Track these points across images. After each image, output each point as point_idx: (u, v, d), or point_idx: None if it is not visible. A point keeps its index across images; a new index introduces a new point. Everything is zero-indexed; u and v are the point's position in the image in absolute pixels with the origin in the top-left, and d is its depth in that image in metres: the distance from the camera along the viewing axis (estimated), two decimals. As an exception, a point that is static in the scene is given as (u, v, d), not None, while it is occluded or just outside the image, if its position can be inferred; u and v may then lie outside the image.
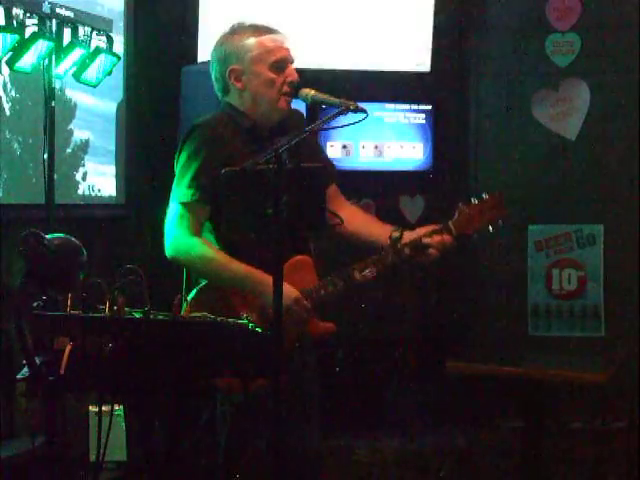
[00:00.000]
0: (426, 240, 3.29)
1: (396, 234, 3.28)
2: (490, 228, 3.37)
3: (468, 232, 3.34)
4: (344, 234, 3.37)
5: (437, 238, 3.29)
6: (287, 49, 3.24)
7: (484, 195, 3.39)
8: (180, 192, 3.22)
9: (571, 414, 5.07)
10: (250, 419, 3.11)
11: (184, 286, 3.25)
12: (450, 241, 3.31)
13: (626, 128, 5.24)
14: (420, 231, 3.33)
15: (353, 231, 3.38)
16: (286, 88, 3.21)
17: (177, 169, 3.28)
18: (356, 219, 3.43)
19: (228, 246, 3.20)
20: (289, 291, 3.05)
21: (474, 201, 3.37)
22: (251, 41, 3.21)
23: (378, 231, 3.35)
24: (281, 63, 3.21)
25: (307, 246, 3.29)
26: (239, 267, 3.14)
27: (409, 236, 3.30)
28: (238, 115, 3.27)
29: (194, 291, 3.21)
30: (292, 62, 3.24)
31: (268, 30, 3.25)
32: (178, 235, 3.19)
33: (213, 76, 3.32)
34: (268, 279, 3.01)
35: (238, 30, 3.26)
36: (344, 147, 5.25)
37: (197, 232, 3.20)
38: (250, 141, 3.22)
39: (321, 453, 3.41)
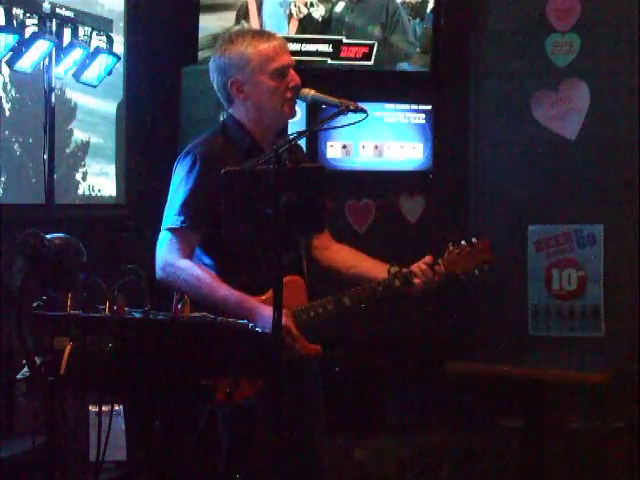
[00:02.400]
0: (414, 270, 3.31)
1: (395, 268, 3.34)
2: (476, 271, 3.41)
3: (456, 272, 3.37)
4: (340, 272, 3.39)
5: (425, 270, 3.32)
6: (287, 54, 3.21)
7: (473, 239, 3.42)
8: (169, 219, 3.18)
9: (571, 414, 5.07)
10: (251, 421, 3.11)
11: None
12: (436, 277, 3.33)
13: (626, 128, 5.24)
14: (413, 265, 3.36)
15: (350, 268, 3.40)
16: (289, 94, 3.18)
17: (169, 194, 3.24)
18: (350, 256, 3.44)
19: (226, 262, 3.17)
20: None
21: (463, 243, 3.40)
22: (250, 50, 3.16)
23: (374, 266, 3.38)
24: (282, 70, 3.17)
25: (301, 265, 3.27)
26: (230, 293, 3.08)
27: (405, 270, 3.34)
28: (239, 132, 3.22)
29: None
30: (293, 66, 3.21)
31: (266, 36, 3.21)
32: (167, 258, 3.14)
33: (215, 86, 3.27)
34: (258, 306, 3.05)
35: (236, 39, 3.20)
36: (344, 147, 5.25)
37: (187, 255, 3.15)
38: (247, 160, 3.19)
39: (322, 456, 3.40)
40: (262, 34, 3.24)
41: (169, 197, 3.24)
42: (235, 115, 3.26)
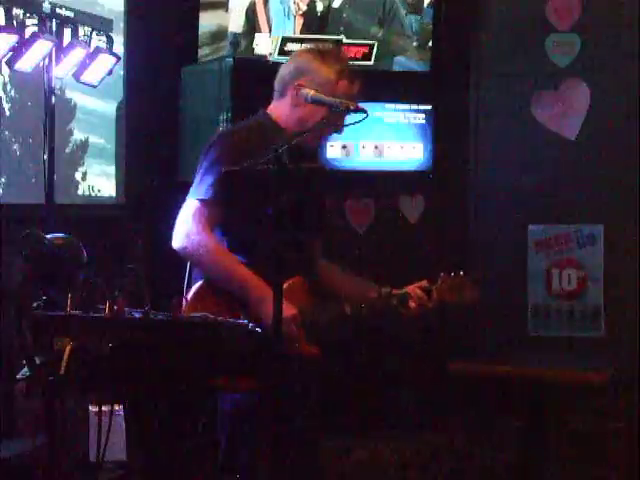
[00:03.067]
0: (411, 292, 3.38)
1: (386, 289, 3.38)
2: (463, 304, 3.50)
3: (447, 301, 3.44)
4: (325, 288, 3.43)
5: (419, 293, 3.38)
6: (355, 99, 3.27)
7: (461, 272, 3.50)
8: (201, 189, 3.21)
9: (571, 414, 5.07)
10: (250, 419, 3.11)
11: (185, 281, 3.24)
12: (429, 303, 3.40)
13: (626, 128, 5.24)
14: (408, 287, 3.41)
15: (335, 285, 3.45)
16: (329, 132, 3.30)
17: (200, 170, 3.25)
18: (337, 275, 3.49)
19: (239, 248, 3.21)
20: (287, 309, 3.06)
21: (453, 275, 3.47)
22: (333, 77, 3.27)
23: (360, 286, 3.43)
24: (343, 110, 3.23)
25: (310, 267, 3.30)
26: (246, 273, 3.13)
27: (396, 291, 3.40)
28: (274, 130, 3.26)
29: (193, 289, 3.20)
30: (349, 112, 3.26)
31: (352, 77, 3.33)
32: (191, 228, 3.16)
33: (279, 75, 3.34)
34: (270, 292, 3.03)
35: (327, 58, 3.31)
36: (344, 147, 5.25)
37: (211, 229, 3.19)
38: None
39: (318, 456, 3.41)
40: (352, 71, 3.36)
41: (201, 173, 3.24)
42: (274, 109, 3.31)
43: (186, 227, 3.17)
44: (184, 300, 3.11)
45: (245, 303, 3.13)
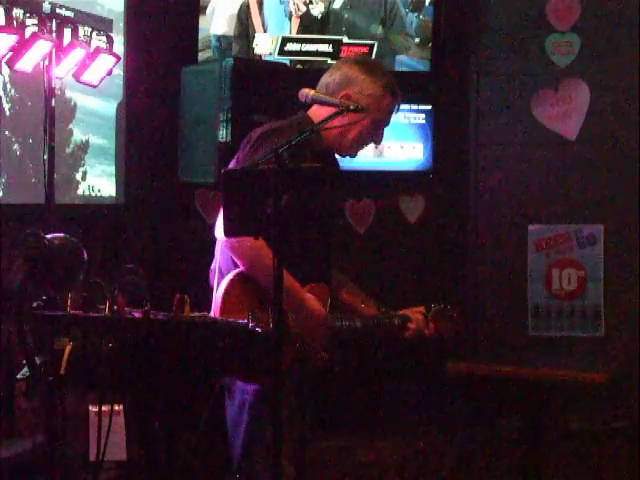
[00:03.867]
0: (411, 316, 3.45)
1: (383, 309, 3.45)
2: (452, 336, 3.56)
3: (439, 332, 3.52)
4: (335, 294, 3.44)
5: (419, 318, 3.46)
6: (392, 115, 3.37)
7: (448, 306, 3.55)
8: None
9: (571, 414, 5.07)
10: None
11: (216, 270, 3.21)
12: (427, 331, 3.47)
13: (626, 128, 5.24)
14: (407, 310, 3.48)
15: (343, 293, 3.48)
16: (365, 145, 3.36)
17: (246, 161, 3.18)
18: (339, 280, 3.49)
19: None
20: (320, 312, 3.17)
21: (442, 307, 3.53)
22: (379, 91, 3.31)
23: (363, 302, 3.46)
24: (382, 125, 3.35)
25: (328, 273, 3.32)
26: (291, 280, 3.08)
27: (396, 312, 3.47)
28: (313, 134, 3.21)
29: (224, 283, 3.15)
30: (387, 126, 3.37)
31: (396, 94, 3.38)
32: (250, 242, 3.07)
33: (321, 83, 3.36)
34: (319, 311, 3.15)
35: (375, 71, 3.36)
36: (344, 147, 5.24)
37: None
38: (313, 161, 3.19)
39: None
40: (395, 90, 3.39)
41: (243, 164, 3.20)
42: (316, 114, 3.31)
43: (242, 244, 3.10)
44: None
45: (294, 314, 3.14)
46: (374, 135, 3.35)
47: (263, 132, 3.23)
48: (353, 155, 3.39)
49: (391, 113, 3.37)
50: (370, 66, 3.41)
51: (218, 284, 3.12)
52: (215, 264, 3.22)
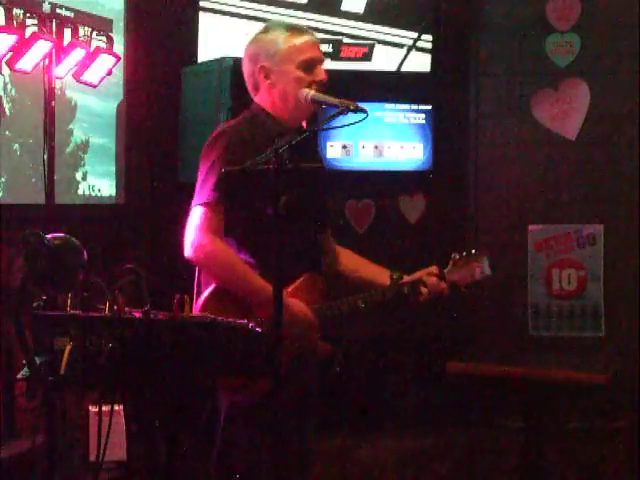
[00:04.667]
0: (423, 279, 3.37)
1: (397, 274, 3.37)
2: (474, 283, 3.47)
3: (459, 284, 3.43)
4: (344, 274, 3.42)
5: (432, 280, 3.38)
6: (317, 48, 3.25)
7: (473, 251, 3.47)
8: (204, 194, 3.17)
9: (571, 414, 5.07)
10: (243, 420, 3.11)
11: (195, 285, 3.23)
12: (445, 289, 3.40)
13: (626, 128, 5.24)
14: (418, 273, 3.40)
15: (353, 270, 3.44)
16: (314, 87, 3.20)
17: (201, 174, 3.22)
18: (354, 260, 3.47)
19: (254, 255, 3.18)
20: (300, 307, 3.10)
21: (465, 255, 3.45)
22: (281, 40, 3.21)
23: (378, 272, 3.41)
24: (310, 62, 3.21)
25: (319, 263, 3.30)
26: (264, 284, 3.07)
27: (407, 278, 3.38)
28: (267, 119, 3.25)
29: (205, 293, 3.18)
30: (322, 62, 3.24)
31: (299, 29, 3.27)
32: (199, 237, 3.13)
33: (245, 74, 3.31)
34: (288, 302, 3.03)
35: (270, 29, 3.27)
36: (344, 147, 5.25)
37: (221, 234, 3.15)
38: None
39: (312, 452, 3.40)
40: (296, 28, 3.28)
41: (203, 174, 3.21)
42: (261, 103, 3.28)
43: (194, 236, 3.14)
44: (195, 304, 3.10)
45: (257, 309, 3.12)
46: (313, 77, 3.19)
47: (219, 132, 3.23)
48: (312, 109, 3.25)
49: (312, 47, 3.22)
50: (263, 31, 3.29)
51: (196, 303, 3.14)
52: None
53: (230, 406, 3.13)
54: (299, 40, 3.22)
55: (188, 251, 3.14)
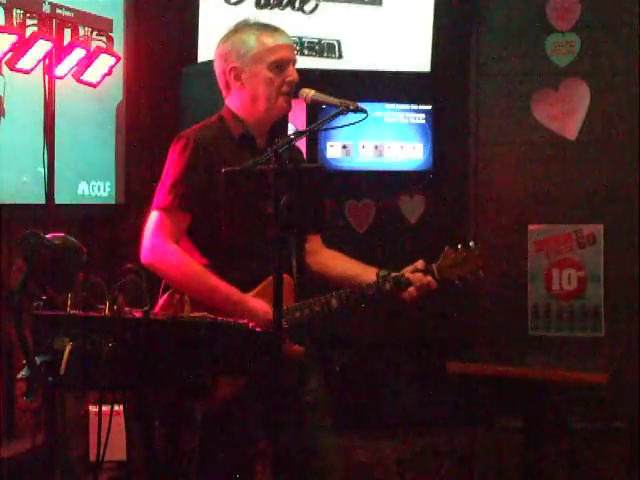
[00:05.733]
0: (408, 276, 3.27)
1: (384, 272, 3.29)
2: (471, 277, 3.35)
3: (450, 278, 3.32)
4: (330, 276, 3.36)
5: (418, 276, 3.27)
6: (288, 49, 3.22)
7: (471, 243, 3.37)
8: (160, 198, 3.17)
9: (571, 414, 5.07)
10: (222, 421, 3.11)
11: (161, 291, 3.21)
12: (431, 283, 3.28)
13: (626, 128, 5.24)
14: (405, 269, 3.31)
15: (340, 272, 3.36)
16: (285, 88, 3.18)
17: (162, 175, 3.24)
18: (340, 260, 3.41)
19: (217, 258, 3.15)
20: (264, 308, 3.06)
21: (459, 247, 3.35)
22: (252, 39, 3.19)
23: (364, 271, 3.33)
24: (280, 62, 3.18)
25: (289, 264, 3.25)
26: (219, 284, 3.08)
27: (393, 274, 3.29)
28: (233, 120, 3.24)
29: (161, 301, 3.17)
30: (293, 62, 3.21)
31: (270, 29, 3.23)
32: (156, 241, 3.12)
33: (217, 73, 3.29)
34: (245, 299, 3.06)
35: (241, 28, 3.24)
36: (344, 147, 5.25)
37: (176, 239, 3.14)
38: (239, 149, 3.18)
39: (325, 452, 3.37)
40: (267, 27, 3.25)
41: (161, 178, 3.23)
42: (231, 104, 3.27)
43: (150, 241, 3.13)
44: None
45: (216, 310, 3.09)
46: (283, 77, 3.17)
47: (178, 136, 3.24)
48: (284, 110, 3.22)
49: (283, 47, 3.19)
50: (230, 32, 3.26)
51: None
52: None
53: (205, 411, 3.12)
54: (270, 40, 3.19)
55: (145, 256, 3.13)
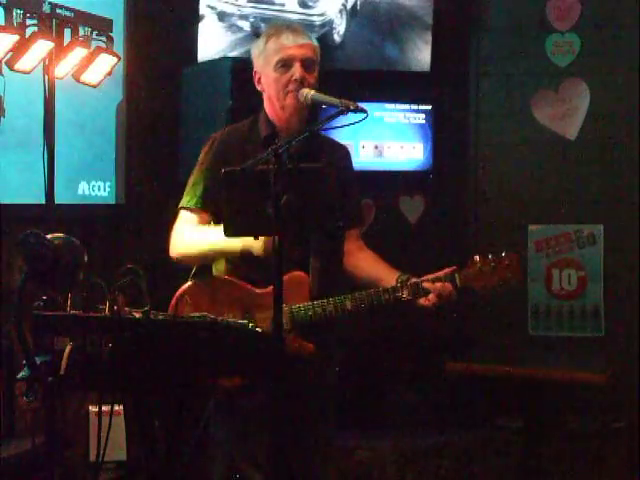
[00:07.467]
0: (426, 285, 3.20)
1: (403, 277, 3.22)
2: (499, 288, 3.28)
3: (475, 286, 3.23)
4: (358, 278, 3.36)
5: (438, 285, 3.19)
6: (295, 48, 3.22)
7: (503, 253, 3.28)
8: (183, 198, 3.31)
9: (571, 414, 5.07)
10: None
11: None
12: (450, 291, 3.19)
13: (626, 128, 5.24)
14: (427, 276, 3.23)
15: (365, 275, 3.35)
16: (290, 86, 3.20)
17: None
18: (368, 262, 3.39)
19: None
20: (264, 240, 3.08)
21: (490, 257, 3.25)
22: (262, 42, 3.26)
23: (386, 275, 3.28)
24: (284, 62, 3.21)
25: (307, 262, 3.27)
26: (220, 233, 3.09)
27: (413, 280, 3.22)
28: (264, 121, 3.29)
29: (181, 290, 3.22)
30: (302, 60, 3.21)
31: (280, 30, 3.26)
32: (179, 237, 3.28)
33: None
34: (246, 240, 3.09)
35: (264, 32, 3.34)
36: (344, 147, 5.24)
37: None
38: (264, 150, 3.20)
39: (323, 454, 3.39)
40: (278, 28, 3.29)
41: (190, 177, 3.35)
42: (264, 105, 3.33)
43: (173, 238, 3.29)
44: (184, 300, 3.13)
45: (232, 297, 3.16)
46: (289, 76, 3.19)
47: (211, 137, 3.32)
48: (292, 106, 3.22)
49: (289, 46, 3.20)
50: (257, 37, 3.39)
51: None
52: None
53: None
54: (276, 40, 3.24)
55: (173, 252, 3.30)
